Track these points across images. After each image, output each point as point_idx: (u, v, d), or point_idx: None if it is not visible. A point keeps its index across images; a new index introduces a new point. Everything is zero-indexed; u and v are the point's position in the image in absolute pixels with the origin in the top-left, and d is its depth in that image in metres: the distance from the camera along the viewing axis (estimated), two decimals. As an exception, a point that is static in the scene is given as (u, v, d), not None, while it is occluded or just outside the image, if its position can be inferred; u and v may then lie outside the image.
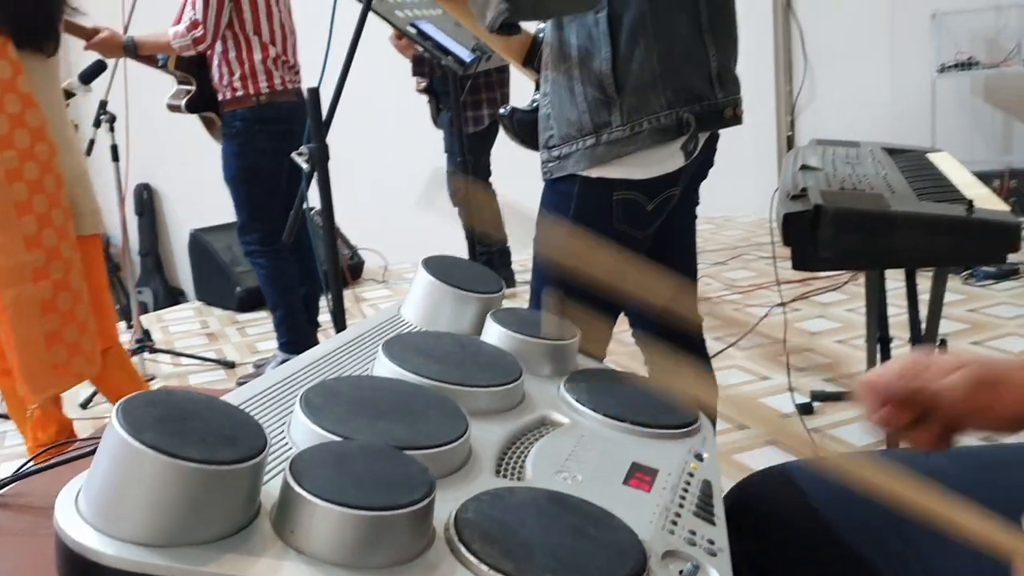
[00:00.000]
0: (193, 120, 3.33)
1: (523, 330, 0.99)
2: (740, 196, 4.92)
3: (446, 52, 2.74)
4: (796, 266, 1.76)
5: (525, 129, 1.62)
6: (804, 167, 2.07)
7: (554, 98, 1.51)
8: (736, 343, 3.20)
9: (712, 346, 3.10)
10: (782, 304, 3.55)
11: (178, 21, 3.06)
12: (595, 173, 1.48)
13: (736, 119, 1.57)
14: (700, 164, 1.61)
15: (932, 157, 2.39)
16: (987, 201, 1.80)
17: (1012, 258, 3.96)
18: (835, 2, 5.04)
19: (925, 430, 0.74)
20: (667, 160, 1.49)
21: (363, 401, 0.78)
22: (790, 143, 5.27)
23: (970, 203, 1.71)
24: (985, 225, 1.66)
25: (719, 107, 1.52)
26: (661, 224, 1.56)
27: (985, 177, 4.80)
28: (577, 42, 1.47)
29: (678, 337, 1.70)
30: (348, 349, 0.98)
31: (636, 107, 1.45)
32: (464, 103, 3.45)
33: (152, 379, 3.48)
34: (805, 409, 2.57)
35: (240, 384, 1.86)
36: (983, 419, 0.74)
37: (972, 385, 0.73)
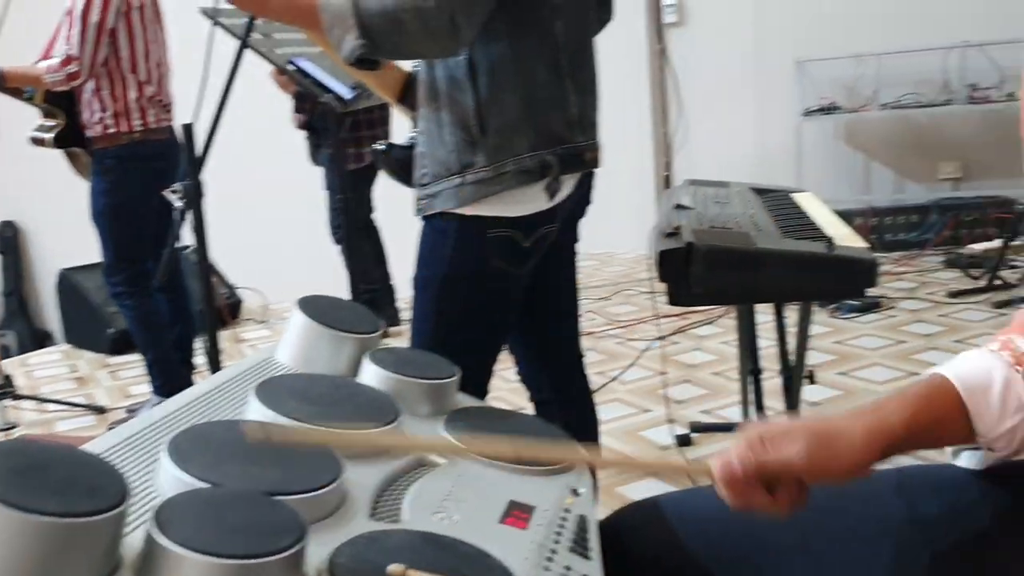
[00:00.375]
0: (59, 154, 3.21)
1: (401, 370, 0.99)
2: (621, 233, 5.04)
3: (325, 89, 2.73)
4: (671, 302, 1.81)
5: (401, 165, 1.62)
6: (678, 206, 2.14)
7: (426, 136, 1.53)
8: (618, 377, 3.26)
9: (595, 380, 3.17)
10: (661, 338, 3.65)
11: (47, 54, 2.96)
12: (470, 211, 1.49)
13: (595, 163, 1.61)
14: (578, 202, 1.65)
15: (797, 197, 2.50)
16: (847, 239, 1.89)
17: (874, 292, 4.17)
18: (705, 49, 5.26)
19: (779, 498, 0.78)
20: (533, 200, 1.51)
21: (234, 446, 0.76)
22: (667, 182, 5.45)
23: (831, 241, 1.80)
24: (845, 261, 1.75)
25: (579, 150, 1.56)
26: (542, 260, 1.59)
27: (847, 215, 5.07)
28: (445, 82, 1.49)
29: (561, 372, 1.72)
30: (220, 393, 0.95)
31: (500, 148, 1.47)
32: (345, 140, 3.43)
33: (13, 428, 3.29)
34: (683, 441, 2.63)
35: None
36: (828, 475, 0.78)
37: (810, 450, 0.77)
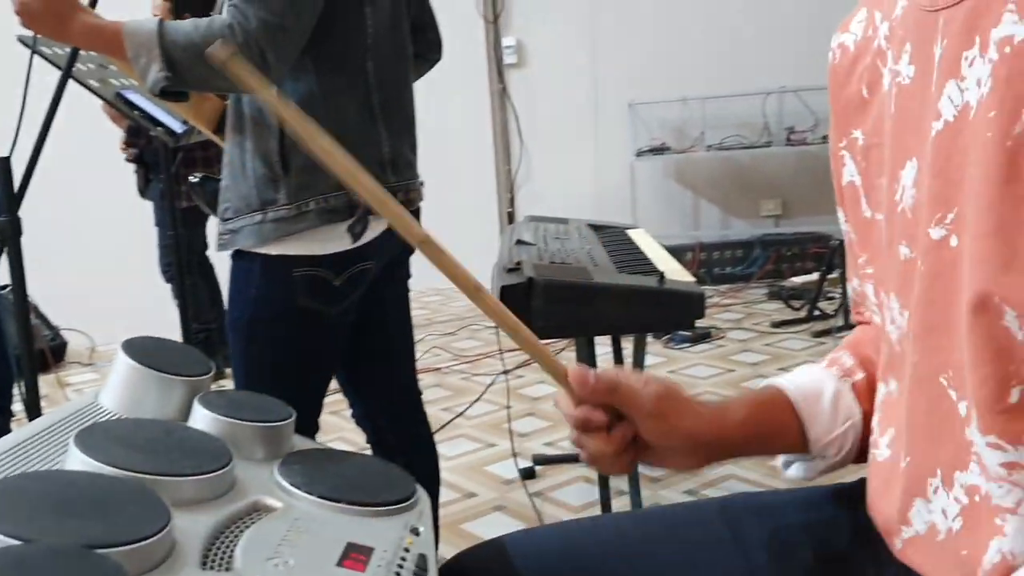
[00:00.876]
0: None
1: (232, 413, 0.96)
2: (467, 268, 5.08)
3: (156, 123, 2.63)
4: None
5: (215, 198, 1.58)
6: (519, 242, 2.18)
7: (230, 168, 1.49)
8: (464, 412, 3.27)
9: (441, 416, 3.17)
10: (506, 372, 3.69)
11: None
12: (274, 250, 1.45)
13: (408, 203, 1.60)
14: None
15: (631, 233, 2.60)
16: (677, 273, 1.98)
17: (704, 323, 4.36)
18: (544, 89, 5.42)
19: (613, 436, 0.78)
20: (339, 239, 1.48)
21: (51, 498, 0.72)
22: (510, 218, 5.54)
23: (662, 275, 1.88)
24: (675, 295, 1.83)
25: (392, 191, 1.54)
26: (367, 299, 1.57)
27: (679, 250, 5.30)
28: (250, 115, 1.45)
29: (398, 413, 1.71)
30: (37, 441, 0.90)
31: (304, 186, 1.44)
32: (178, 175, 3.32)
33: None
34: (527, 474, 2.66)
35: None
36: (666, 429, 0.78)
37: (659, 395, 0.78)
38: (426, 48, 1.76)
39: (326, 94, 1.44)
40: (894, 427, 0.76)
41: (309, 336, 1.51)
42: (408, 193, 1.59)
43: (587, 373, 0.77)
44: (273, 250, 1.45)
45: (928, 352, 0.68)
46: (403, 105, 1.60)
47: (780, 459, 0.93)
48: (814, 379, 0.87)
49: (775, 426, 0.85)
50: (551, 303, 1.81)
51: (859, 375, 0.87)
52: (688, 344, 3.93)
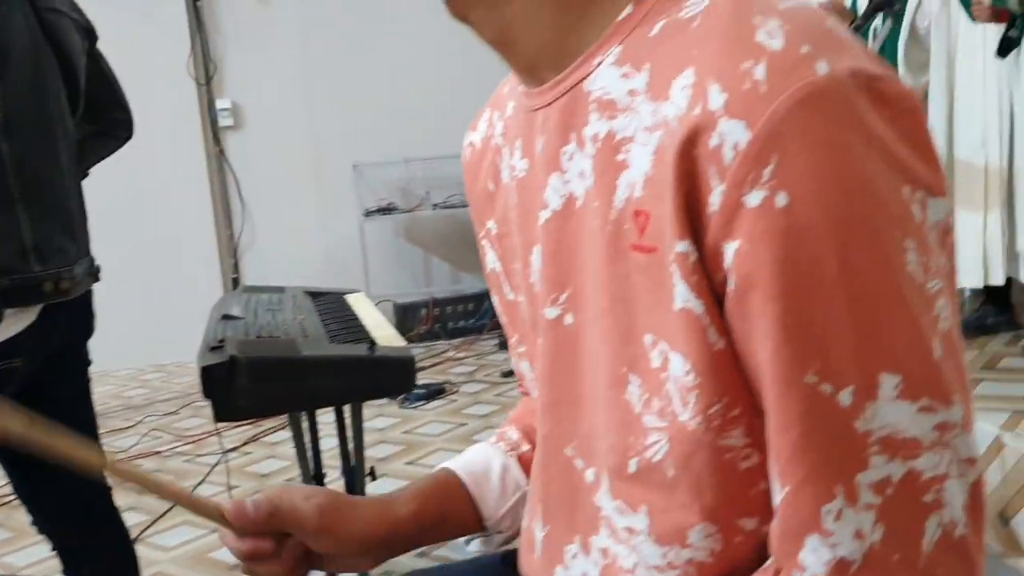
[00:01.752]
0: None
1: None
2: (191, 341, 4.79)
3: None
4: (217, 418, 1.76)
5: None
6: (225, 316, 2.10)
7: None
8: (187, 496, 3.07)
9: (157, 507, 2.95)
10: (231, 450, 3.53)
11: None
12: None
13: (63, 293, 1.49)
14: (75, 326, 1.53)
15: (349, 298, 2.58)
16: (390, 339, 1.98)
17: (439, 378, 4.39)
18: (264, 150, 5.31)
19: (284, 558, 0.77)
20: None
21: None
22: (236, 284, 5.34)
23: (372, 342, 1.87)
24: (385, 362, 1.82)
25: (36, 281, 1.44)
26: (30, 397, 1.43)
27: (413, 307, 5.33)
28: None
29: (82, 514, 1.57)
30: None
31: None
32: None
33: None
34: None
35: None
36: (333, 541, 0.78)
37: (323, 508, 0.77)
38: (111, 127, 1.67)
39: None
40: (533, 498, 0.79)
41: None
42: (59, 282, 1.47)
43: (244, 506, 0.75)
44: None
45: (555, 424, 0.71)
46: (53, 188, 1.49)
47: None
48: (482, 457, 0.89)
49: (447, 511, 0.85)
50: (256, 381, 1.74)
51: (525, 447, 0.90)
52: (423, 402, 3.95)
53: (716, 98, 0.53)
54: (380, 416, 3.76)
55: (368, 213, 5.20)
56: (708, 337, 0.57)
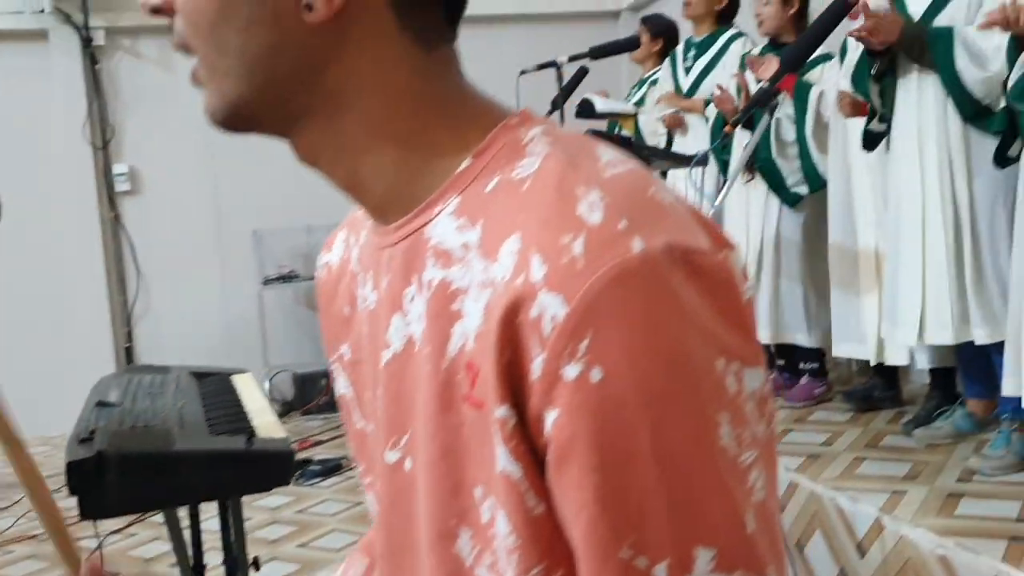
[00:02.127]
0: None
1: None
2: (76, 413, 4.61)
3: None
4: (83, 515, 1.67)
5: None
6: (100, 403, 2.02)
7: None
8: (60, 587, 2.91)
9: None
10: (117, 531, 3.37)
11: None
12: None
13: None
14: None
15: (235, 379, 2.51)
16: (271, 428, 1.93)
17: (338, 453, 4.30)
18: (161, 217, 5.19)
19: None
20: None
21: None
22: (128, 355, 5.16)
23: (251, 434, 1.82)
24: (263, 455, 1.77)
25: None
26: None
27: (313, 377, 5.22)
28: None
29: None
30: None
31: None
32: None
33: None
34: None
35: None
36: None
37: None
38: None
39: None
40: None
41: None
42: None
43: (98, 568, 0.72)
44: None
45: (392, 571, 0.69)
46: None
47: None
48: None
49: None
50: (126, 477, 1.67)
51: None
52: (319, 478, 3.86)
53: (537, 269, 0.54)
54: (273, 494, 3.65)
55: (267, 281, 5.12)
56: (526, 502, 0.57)
